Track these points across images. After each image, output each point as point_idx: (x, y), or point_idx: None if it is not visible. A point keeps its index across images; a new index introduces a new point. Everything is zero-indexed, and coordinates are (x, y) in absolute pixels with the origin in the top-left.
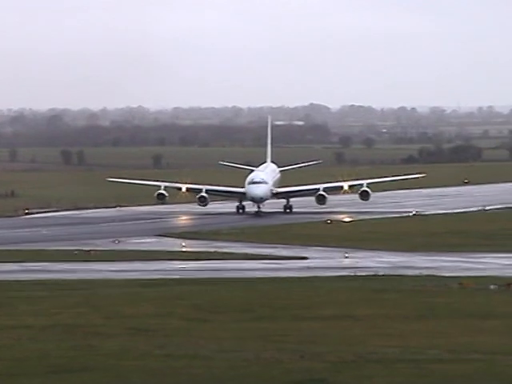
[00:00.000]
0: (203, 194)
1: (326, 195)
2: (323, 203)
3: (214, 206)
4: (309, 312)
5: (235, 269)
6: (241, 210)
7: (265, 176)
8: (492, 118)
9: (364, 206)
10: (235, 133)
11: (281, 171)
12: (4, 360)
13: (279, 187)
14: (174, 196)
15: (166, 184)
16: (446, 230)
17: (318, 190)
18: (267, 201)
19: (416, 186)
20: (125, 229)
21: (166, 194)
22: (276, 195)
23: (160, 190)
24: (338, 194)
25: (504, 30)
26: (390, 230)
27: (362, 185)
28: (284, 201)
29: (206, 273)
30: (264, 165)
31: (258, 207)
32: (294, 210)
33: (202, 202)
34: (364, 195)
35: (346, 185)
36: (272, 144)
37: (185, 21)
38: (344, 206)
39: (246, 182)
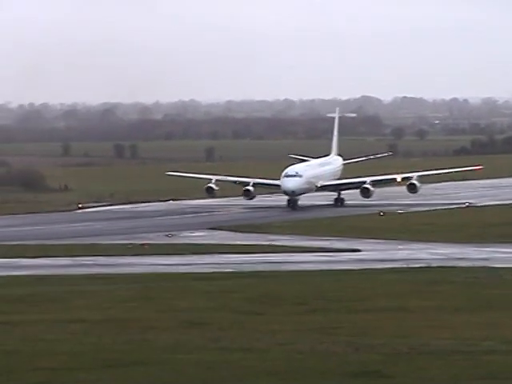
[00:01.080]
0: (249, 187)
1: (372, 188)
2: (368, 196)
3: (262, 199)
4: (362, 304)
5: (288, 261)
6: (291, 204)
7: (300, 169)
8: None
9: (417, 198)
10: (288, 125)
11: (345, 164)
12: (60, 354)
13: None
14: (226, 189)
15: (218, 177)
16: (499, 222)
17: (365, 182)
18: (310, 193)
19: (469, 178)
20: (178, 222)
21: (216, 188)
22: (321, 188)
23: (210, 183)
24: (392, 185)
25: None
26: (443, 221)
27: (411, 177)
28: (335, 194)
29: (259, 266)
30: (324, 158)
31: (294, 201)
32: (346, 202)
33: (247, 196)
34: (411, 188)
35: (399, 177)
36: (338, 136)
37: (235, 14)
38: (399, 198)
39: (282, 174)
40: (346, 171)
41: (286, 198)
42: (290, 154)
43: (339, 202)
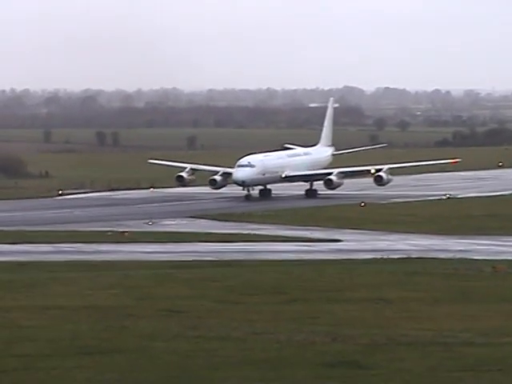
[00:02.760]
0: (216, 176)
1: (336, 179)
2: (332, 188)
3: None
4: (341, 294)
5: (268, 251)
6: (247, 195)
7: (254, 159)
8: None
9: (398, 189)
10: (270, 115)
11: (336, 154)
12: (37, 340)
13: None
14: (204, 178)
15: (193, 166)
16: (479, 213)
17: (330, 174)
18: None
19: (450, 169)
20: (158, 210)
21: (186, 177)
22: (287, 179)
23: (181, 172)
24: (367, 176)
25: None
26: (423, 212)
27: (379, 169)
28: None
29: (239, 255)
30: (303, 148)
31: (248, 190)
32: (319, 193)
33: (213, 185)
34: (378, 180)
35: (372, 169)
36: (330, 127)
37: (220, 2)
38: (380, 189)
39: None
40: (340, 161)
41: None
42: (286, 143)
43: (311, 193)
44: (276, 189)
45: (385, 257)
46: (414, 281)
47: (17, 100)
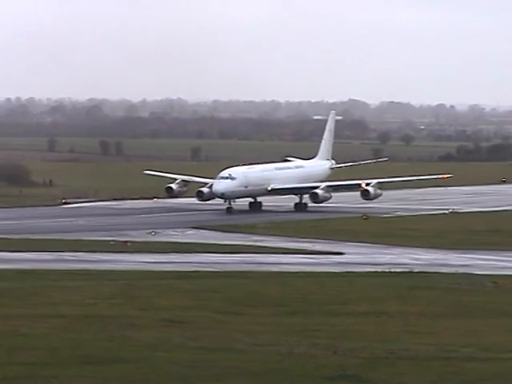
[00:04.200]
0: (203, 188)
1: (322, 193)
2: (317, 201)
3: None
4: (343, 308)
5: (270, 263)
6: (228, 207)
7: (236, 172)
8: None
9: (401, 202)
10: (274, 127)
11: (337, 167)
12: (39, 349)
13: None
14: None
15: (184, 178)
16: (482, 229)
17: (317, 187)
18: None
19: (454, 184)
20: (161, 220)
21: (175, 188)
22: (273, 192)
23: (171, 183)
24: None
25: None
26: (426, 227)
27: (368, 184)
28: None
29: (242, 266)
30: (297, 161)
31: (229, 203)
32: (309, 207)
33: (200, 197)
34: (365, 194)
35: (363, 183)
36: (330, 140)
37: (225, 14)
38: (382, 202)
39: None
40: (338, 174)
41: (250, 200)
42: (286, 155)
43: (301, 206)
44: (272, 201)
45: (387, 270)
46: (416, 295)
47: (22, 108)
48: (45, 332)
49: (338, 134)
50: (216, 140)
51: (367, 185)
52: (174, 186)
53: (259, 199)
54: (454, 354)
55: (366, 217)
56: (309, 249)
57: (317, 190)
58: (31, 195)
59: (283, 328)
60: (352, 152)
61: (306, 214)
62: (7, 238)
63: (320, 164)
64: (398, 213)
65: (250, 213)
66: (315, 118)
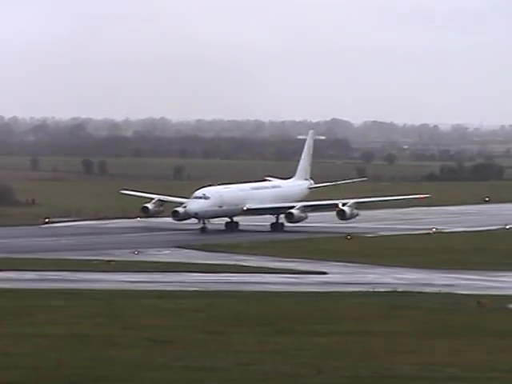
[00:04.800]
0: (178, 208)
1: (297, 213)
2: (293, 221)
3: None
4: (327, 327)
5: (254, 282)
6: (202, 227)
7: (210, 192)
8: None
9: (384, 222)
10: (257, 146)
11: (315, 187)
12: (21, 368)
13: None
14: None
15: (161, 197)
16: (465, 248)
17: (293, 207)
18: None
19: (437, 204)
20: (144, 240)
21: (151, 208)
22: (249, 212)
23: (147, 203)
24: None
25: None
26: (409, 246)
27: (344, 204)
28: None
29: (225, 285)
30: (275, 181)
31: (203, 223)
32: (285, 228)
33: (176, 217)
34: (340, 214)
35: (340, 203)
36: (308, 160)
37: (209, 35)
38: (365, 222)
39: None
40: (318, 194)
41: (226, 220)
42: (266, 175)
43: (277, 226)
44: (249, 221)
45: (370, 290)
46: (400, 314)
47: (5, 127)
48: (28, 351)
49: (321, 154)
50: (199, 159)
51: (343, 205)
52: (149, 205)
53: (236, 219)
54: (437, 373)
55: (349, 237)
56: (292, 268)
57: (292, 210)
58: (14, 214)
59: (267, 347)
60: (335, 171)
61: (283, 234)
62: None
63: (298, 184)
64: (381, 233)
65: (225, 232)
66: (299, 137)
